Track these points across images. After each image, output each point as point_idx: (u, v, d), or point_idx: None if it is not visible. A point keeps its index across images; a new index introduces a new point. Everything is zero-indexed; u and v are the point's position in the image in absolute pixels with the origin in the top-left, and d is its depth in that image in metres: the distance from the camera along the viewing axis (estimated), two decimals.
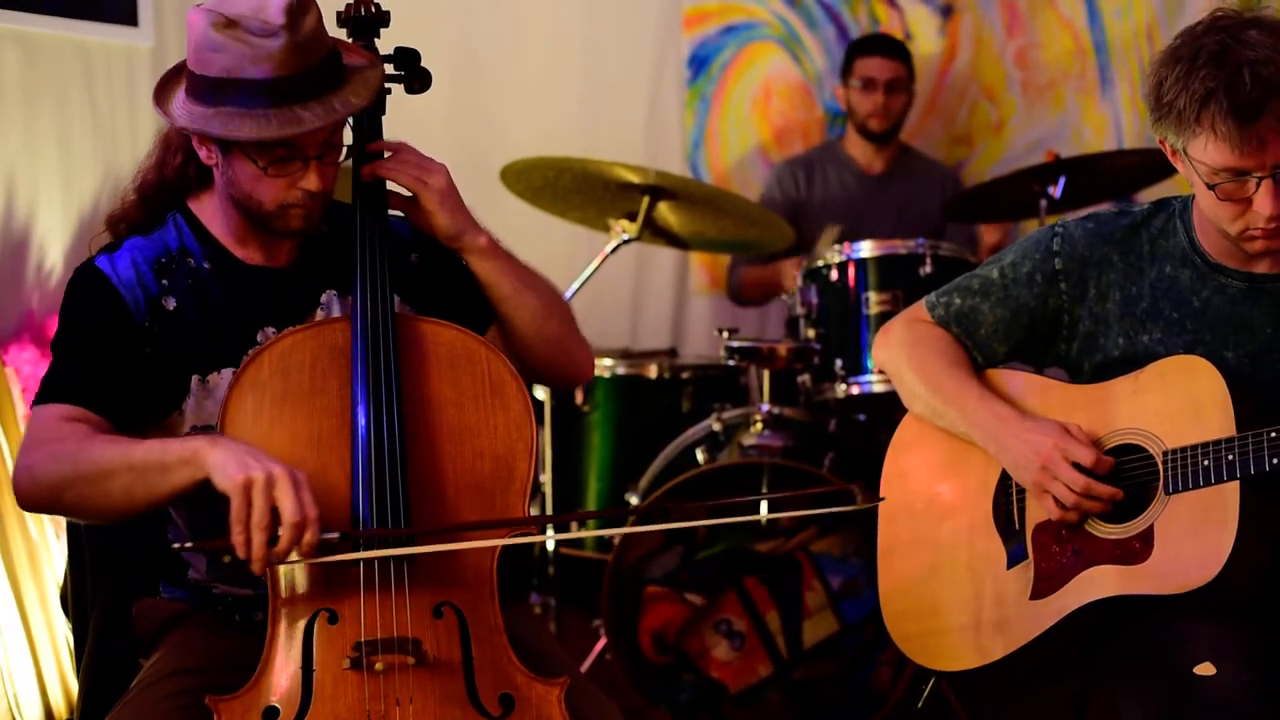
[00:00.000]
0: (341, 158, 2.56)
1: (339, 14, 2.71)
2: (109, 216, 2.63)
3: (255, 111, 2.39)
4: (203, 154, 2.52)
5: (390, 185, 2.64)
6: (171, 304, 2.53)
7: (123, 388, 2.48)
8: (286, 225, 2.53)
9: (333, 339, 2.48)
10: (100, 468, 2.35)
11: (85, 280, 2.54)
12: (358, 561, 2.34)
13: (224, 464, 2.25)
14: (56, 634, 3.86)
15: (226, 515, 2.24)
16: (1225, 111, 2.38)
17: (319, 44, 2.46)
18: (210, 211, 2.60)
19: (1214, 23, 2.44)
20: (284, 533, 2.23)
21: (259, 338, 2.55)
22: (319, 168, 2.49)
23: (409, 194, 2.61)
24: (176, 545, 2.37)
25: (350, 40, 2.69)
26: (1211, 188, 2.46)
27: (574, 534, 4.58)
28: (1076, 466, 2.58)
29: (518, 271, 2.68)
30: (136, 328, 2.50)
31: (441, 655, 2.32)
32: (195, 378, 2.53)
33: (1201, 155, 2.44)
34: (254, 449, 2.29)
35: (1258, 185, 2.43)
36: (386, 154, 2.63)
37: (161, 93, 2.51)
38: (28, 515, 3.82)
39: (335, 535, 2.30)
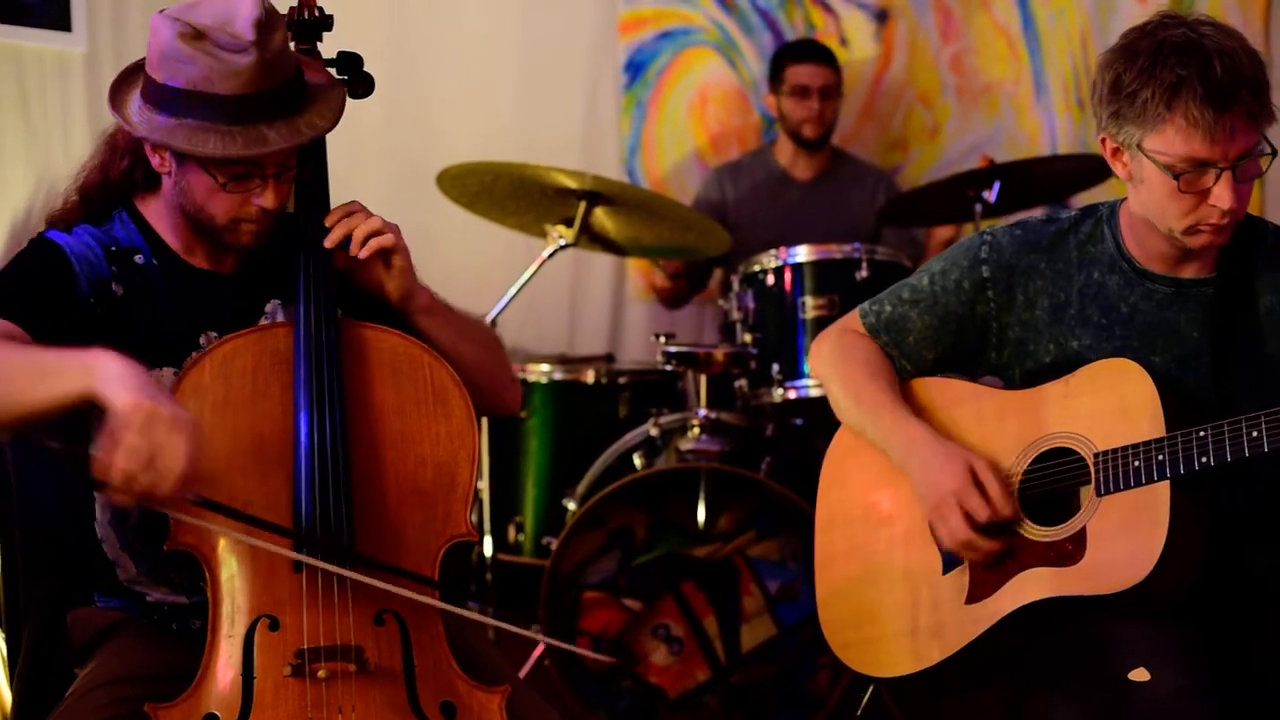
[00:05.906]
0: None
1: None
2: (49, 216, 2.59)
3: (220, 127, 2.37)
4: (155, 161, 2.49)
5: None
6: (119, 291, 2.50)
7: (54, 314, 2.40)
8: (236, 240, 2.52)
9: (275, 344, 2.47)
10: None
11: (35, 246, 2.51)
12: (298, 565, 2.33)
13: (126, 380, 2.15)
14: None
15: (96, 429, 2.12)
16: (1200, 98, 2.40)
17: (286, 61, 2.44)
18: (156, 213, 2.58)
19: (1165, 19, 2.47)
20: (167, 479, 2.12)
21: (201, 341, 2.52)
22: (275, 185, 2.47)
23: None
24: (52, 443, 2.22)
25: (294, 45, 2.67)
26: (1177, 177, 2.46)
27: None
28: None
29: (455, 323, 2.66)
30: (80, 302, 2.47)
31: (383, 663, 2.32)
32: None
33: (1166, 146, 2.45)
34: (162, 388, 2.18)
35: (1217, 177, 2.45)
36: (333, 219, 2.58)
37: (116, 95, 2.48)
38: None
39: (195, 496, 2.22)
